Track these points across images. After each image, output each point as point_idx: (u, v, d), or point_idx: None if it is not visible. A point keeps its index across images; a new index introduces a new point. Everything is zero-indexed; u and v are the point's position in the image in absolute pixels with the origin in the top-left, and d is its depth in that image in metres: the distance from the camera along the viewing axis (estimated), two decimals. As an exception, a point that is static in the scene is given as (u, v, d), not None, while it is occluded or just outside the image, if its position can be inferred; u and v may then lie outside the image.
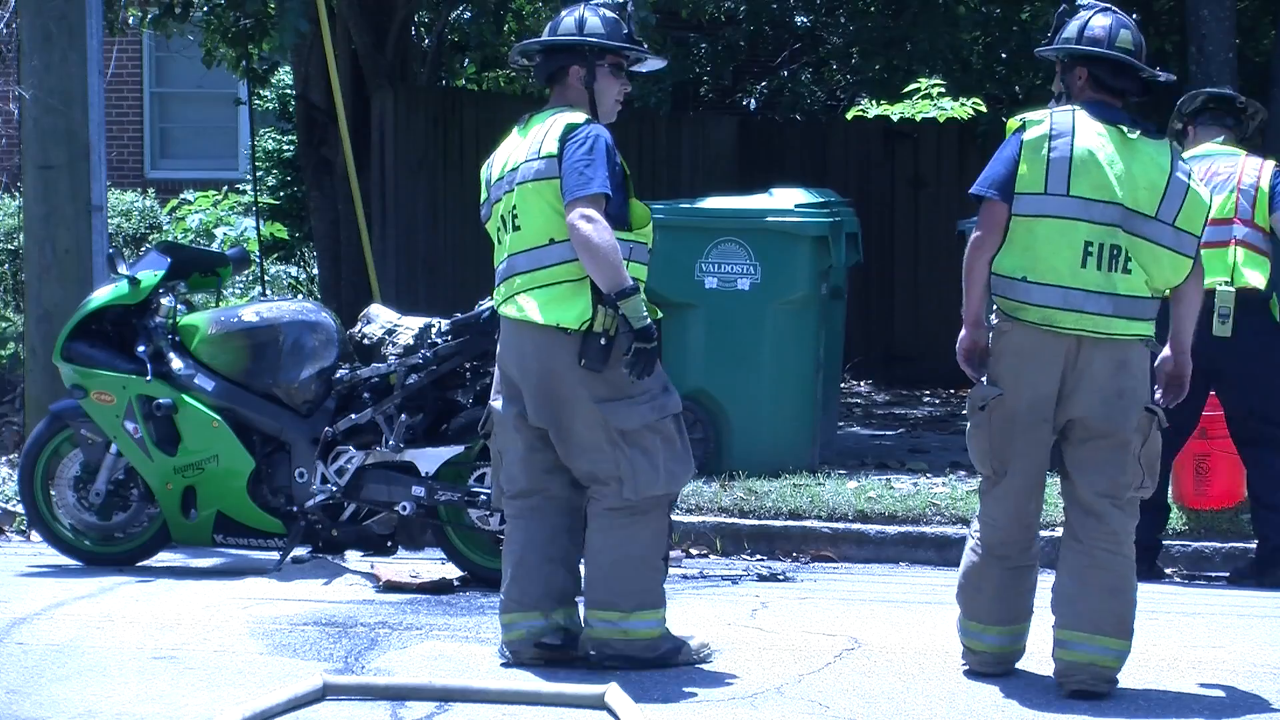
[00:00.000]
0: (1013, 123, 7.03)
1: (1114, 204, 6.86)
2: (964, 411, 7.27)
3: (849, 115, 15.08)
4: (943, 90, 12.51)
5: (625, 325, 7.05)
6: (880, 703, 6.79)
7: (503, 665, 7.32)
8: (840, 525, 10.18)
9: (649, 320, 7.05)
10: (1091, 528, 7.02)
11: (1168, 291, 7.05)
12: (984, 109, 12.57)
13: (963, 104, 12.32)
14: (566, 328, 7.10)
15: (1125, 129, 6.95)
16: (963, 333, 7.04)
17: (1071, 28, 7.10)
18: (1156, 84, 7.22)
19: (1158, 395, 7.11)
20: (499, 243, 7.38)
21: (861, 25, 17.20)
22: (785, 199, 11.71)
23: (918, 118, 12.49)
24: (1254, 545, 9.45)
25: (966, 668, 7.23)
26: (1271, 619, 8.41)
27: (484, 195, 7.51)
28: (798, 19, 18.63)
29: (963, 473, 11.71)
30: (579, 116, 7.30)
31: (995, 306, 7.02)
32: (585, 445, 7.20)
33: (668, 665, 7.28)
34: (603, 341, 7.08)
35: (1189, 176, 7.00)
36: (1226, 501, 9.89)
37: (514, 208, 7.27)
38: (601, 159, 7.13)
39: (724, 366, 11.44)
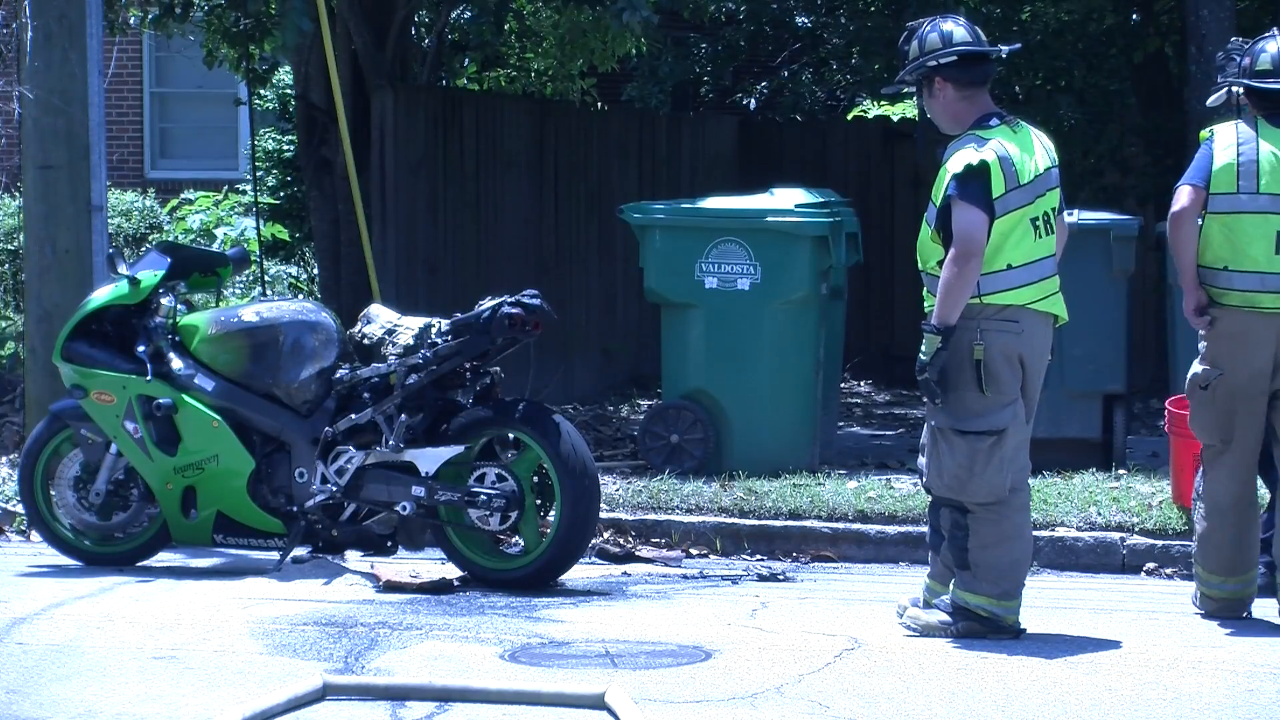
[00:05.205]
0: (1203, 134, 8.25)
1: None
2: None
3: (849, 115, 15.10)
4: (943, 90, 12.48)
5: None
6: (880, 703, 6.79)
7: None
8: (840, 525, 10.17)
9: None
10: None
11: None
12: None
13: (963, 104, 12.28)
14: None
15: None
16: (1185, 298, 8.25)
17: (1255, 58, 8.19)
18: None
19: None
20: (1037, 238, 7.83)
21: (861, 25, 17.16)
22: (785, 199, 11.70)
23: (918, 118, 12.48)
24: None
25: (1202, 612, 8.34)
26: (1271, 619, 8.41)
27: (1000, 189, 7.75)
28: (798, 19, 18.62)
29: (963, 473, 11.70)
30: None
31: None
32: None
33: None
34: None
35: None
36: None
37: (1055, 210, 7.96)
38: None
39: (724, 366, 11.44)
